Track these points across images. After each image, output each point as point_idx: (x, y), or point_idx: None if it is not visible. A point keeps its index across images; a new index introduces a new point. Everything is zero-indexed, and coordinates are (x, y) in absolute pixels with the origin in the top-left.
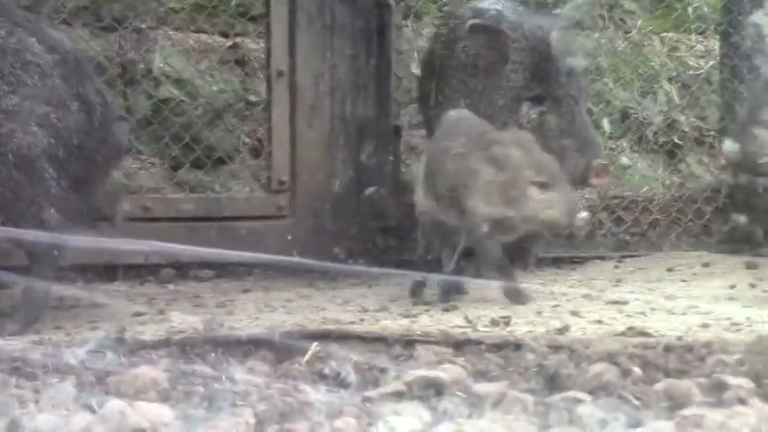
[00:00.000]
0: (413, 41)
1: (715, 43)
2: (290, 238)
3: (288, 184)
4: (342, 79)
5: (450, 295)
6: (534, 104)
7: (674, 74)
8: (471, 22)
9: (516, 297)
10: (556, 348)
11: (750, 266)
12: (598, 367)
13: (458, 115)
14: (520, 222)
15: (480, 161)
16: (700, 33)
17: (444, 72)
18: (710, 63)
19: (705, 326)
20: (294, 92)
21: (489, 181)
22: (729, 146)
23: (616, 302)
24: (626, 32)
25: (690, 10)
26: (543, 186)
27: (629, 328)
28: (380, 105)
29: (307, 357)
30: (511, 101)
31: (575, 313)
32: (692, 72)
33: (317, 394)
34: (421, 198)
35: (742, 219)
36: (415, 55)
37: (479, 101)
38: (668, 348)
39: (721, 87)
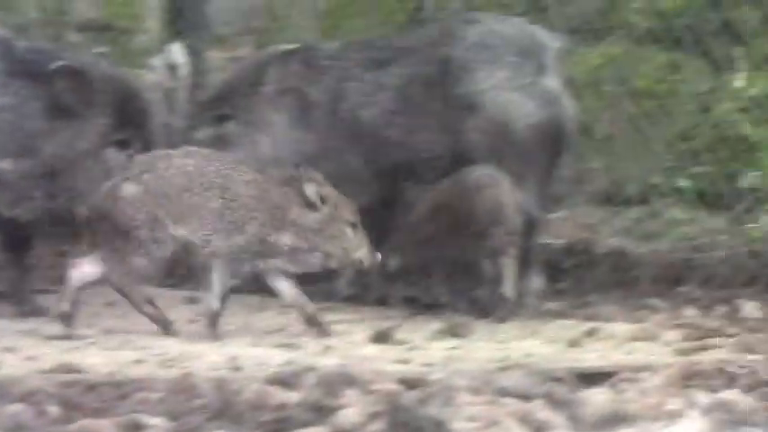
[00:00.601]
0: None
1: None
2: None
3: None
4: None
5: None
6: (122, 149)
7: None
8: (57, 64)
9: None
10: None
11: (190, 301)
12: (14, 407)
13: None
14: (329, 259)
15: (291, 195)
16: None
17: None
18: None
19: (138, 362)
20: None
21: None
22: None
23: (55, 338)
24: None
25: None
26: (354, 227)
27: (59, 365)
28: None
29: None
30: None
31: (10, 349)
32: None
33: None
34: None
35: None
36: None
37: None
38: (91, 386)
39: None
